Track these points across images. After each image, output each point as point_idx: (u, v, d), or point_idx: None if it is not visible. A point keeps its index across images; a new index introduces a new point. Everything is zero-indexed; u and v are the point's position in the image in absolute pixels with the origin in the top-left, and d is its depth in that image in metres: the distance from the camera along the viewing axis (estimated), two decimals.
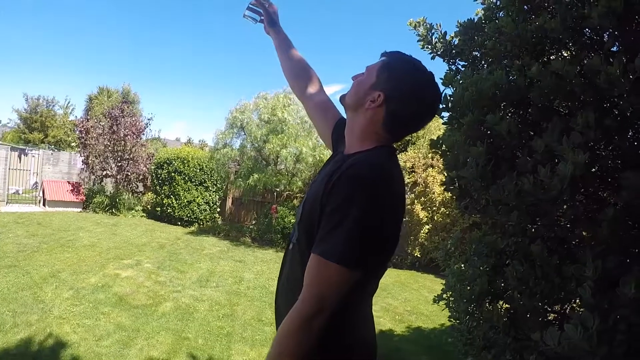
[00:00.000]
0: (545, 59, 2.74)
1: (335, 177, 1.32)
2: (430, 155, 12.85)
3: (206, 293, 7.83)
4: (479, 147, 2.36)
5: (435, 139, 2.75)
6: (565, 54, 2.83)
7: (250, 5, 2.32)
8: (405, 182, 13.17)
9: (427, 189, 12.68)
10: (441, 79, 2.94)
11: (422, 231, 12.95)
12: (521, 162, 2.26)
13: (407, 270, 12.88)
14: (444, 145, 2.74)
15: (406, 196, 13.09)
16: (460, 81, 2.74)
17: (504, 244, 2.59)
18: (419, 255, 13.02)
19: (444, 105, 2.69)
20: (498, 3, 3.29)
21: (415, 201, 12.99)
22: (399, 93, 1.45)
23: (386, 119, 1.47)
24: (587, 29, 2.61)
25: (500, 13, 3.25)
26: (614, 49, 2.58)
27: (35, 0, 46.95)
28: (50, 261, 8.63)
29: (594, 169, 2.39)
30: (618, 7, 2.26)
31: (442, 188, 3.17)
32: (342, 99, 1.61)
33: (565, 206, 2.19)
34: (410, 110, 1.47)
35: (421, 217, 12.79)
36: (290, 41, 2.23)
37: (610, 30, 2.49)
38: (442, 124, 2.73)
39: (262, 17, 2.31)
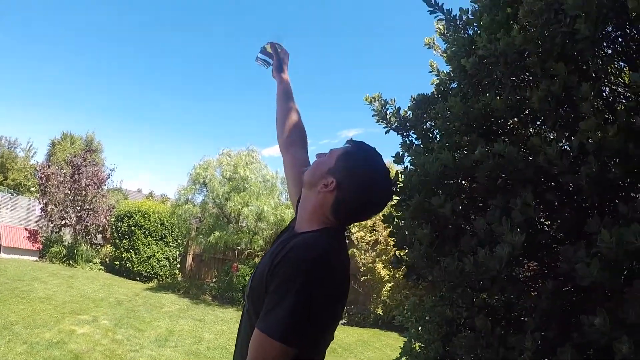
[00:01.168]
0: (492, 137, 2.93)
1: (279, 258, 1.39)
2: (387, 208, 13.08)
3: (165, 353, 7.66)
4: (424, 229, 2.50)
5: (387, 213, 2.87)
6: (509, 125, 3.03)
7: (262, 49, 2.36)
8: (367, 241, 13.33)
9: (388, 247, 12.83)
10: (392, 157, 3.11)
11: (384, 289, 13.03)
12: (464, 241, 2.40)
13: (370, 328, 12.84)
14: (395, 220, 2.88)
15: (367, 259, 13.19)
16: (410, 159, 2.92)
17: (453, 314, 2.71)
18: (381, 313, 13.05)
19: (394, 187, 2.83)
20: (452, 74, 3.48)
21: (377, 259, 13.12)
22: (350, 184, 1.52)
23: (334, 205, 1.53)
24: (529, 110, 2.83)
25: (454, 84, 3.45)
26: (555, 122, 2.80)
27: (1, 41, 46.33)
28: (3, 312, 8.35)
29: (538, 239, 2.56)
30: (557, 90, 2.48)
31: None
32: (302, 172, 1.70)
33: (505, 283, 2.33)
34: (358, 203, 1.55)
35: (383, 275, 12.90)
36: (292, 92, 2.27)
37: (548, 112, 2.69)
38: (391, 206, 2.86)
39: (273, 62, 2.35)
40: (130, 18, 51.08)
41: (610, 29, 2.61)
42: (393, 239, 2.82)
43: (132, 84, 55.62)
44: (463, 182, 2.87)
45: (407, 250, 2.71)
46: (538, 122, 2.97)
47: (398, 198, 2.83)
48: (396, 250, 2.87)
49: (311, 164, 1.71)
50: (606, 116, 2.55)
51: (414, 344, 3.29)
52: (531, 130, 3.01)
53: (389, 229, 2.89)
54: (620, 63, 2.83)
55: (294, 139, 2.11)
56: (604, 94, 2.78)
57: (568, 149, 2.50)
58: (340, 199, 1.53)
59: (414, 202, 2.58)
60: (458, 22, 3.23)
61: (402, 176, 2.82)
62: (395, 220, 2.88)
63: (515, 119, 3.01)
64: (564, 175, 2.34)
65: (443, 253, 2.46)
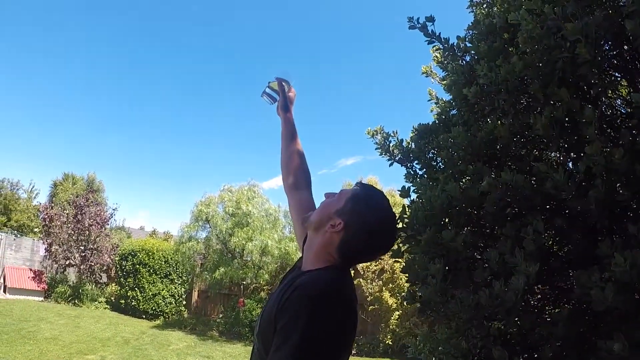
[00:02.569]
0: (497, 163, 2.92)
1: (286, 297, 1.41)
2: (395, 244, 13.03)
3: None
4: (437, 264, 2.48)
5: (395, 248, 2.84)
6: (512, 150, 3.02)
7: (270, 85, 2.30)
8: (373, 270, 13.23)
9: (395, 275, 12.72)
10: (399, 191, 3.09)
11: (392, 317, 12.88)
12: (477, 273, 2.38)
13: (380, 358, 12.64)
14: (405, 255, 2.85)
15: (374, 288, 13.08)
16: (417, 192, 2.91)
17: (469, 346, 2.67)
18: (390, 342, 12.86)
19: (400, 222, 2.81)
20: (452, 102, 3.48)
21: (384, 288, 13.00)
22: (358, 226, 1.54)
23: (341, 246, 1.55)
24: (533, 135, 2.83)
25: (453, 111, 3.45)
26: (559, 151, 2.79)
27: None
28: (10, 353, 8.25)
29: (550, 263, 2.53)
30: (560, 115, 2.48)
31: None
32: (307, 217, 1.70)
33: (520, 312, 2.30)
34: (364, 245, 1.57)
35: (390, 303, 12.76)
36: (296, 133, 2.25)
37: (553, 137, 2.69)
38: (400, 243, 2.83)
39: (279, 99, 2.29)
40: (127, 55, 51.56)
41: (607, 47, 2.63)
42: (406, 274, 2.79)
43: (130, 122, 55.78)
44: (469, 209, 2.86)
45: (420, 286, 2.68)
46: (542, 145, 2.96)
47: (405, 234, 2.81)
48: (409, 286, 2.84)
49: (319, 203, 1.72)
50: (611, 135, 2.55)
51: None
52: (535, 153, 3.01)
53: (398, 264, 2.88)
54: (617, 75, 2.84)
55: (299, 182, 2.13)
56: (604, 109, 2.77)
57: (574, 171, 2.49)
58: (347, 240, 1.55)
59: (424, 237, 2.57)
60: (456, 50, 3.25)
61: (409, 210, 2.80)
62: (406, 255, 2.86)
63: (519, 145, 3.01)
64: (573, 200, 2.33)
65: (457, 286, 2.44)
